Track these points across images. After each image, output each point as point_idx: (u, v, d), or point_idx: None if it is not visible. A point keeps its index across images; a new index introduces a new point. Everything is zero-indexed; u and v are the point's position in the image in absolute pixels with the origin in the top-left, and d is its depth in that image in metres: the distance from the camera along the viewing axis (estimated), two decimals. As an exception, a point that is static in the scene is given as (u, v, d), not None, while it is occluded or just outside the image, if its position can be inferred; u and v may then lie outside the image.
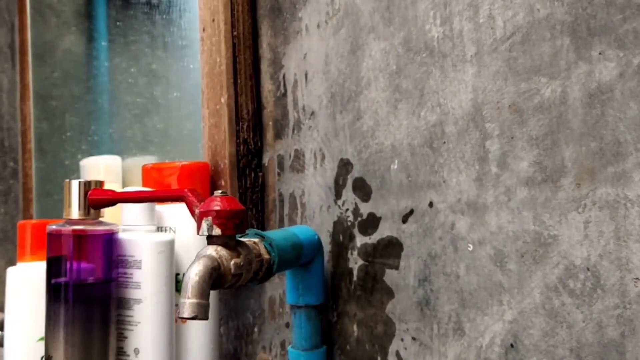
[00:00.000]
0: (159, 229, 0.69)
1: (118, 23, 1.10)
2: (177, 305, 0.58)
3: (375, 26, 0.61)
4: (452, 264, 0.54)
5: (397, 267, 0.59)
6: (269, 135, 0.75)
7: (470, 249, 0.52)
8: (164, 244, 0.64)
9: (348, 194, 0.64)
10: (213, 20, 0.76)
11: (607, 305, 0.44)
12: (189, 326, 0.68)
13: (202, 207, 0.51)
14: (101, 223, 0.62)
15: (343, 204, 0.64)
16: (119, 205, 0.62)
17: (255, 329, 0.76)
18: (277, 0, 0.74)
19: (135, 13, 1.04)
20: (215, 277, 0.48)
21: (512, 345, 0.50)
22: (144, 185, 0.75)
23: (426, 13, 0.56)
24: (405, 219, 0.58)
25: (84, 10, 1.21)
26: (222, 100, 0.75)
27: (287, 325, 0.71)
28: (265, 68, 0.76)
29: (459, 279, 0.53)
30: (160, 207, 0.69)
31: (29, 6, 1.26)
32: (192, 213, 0.54)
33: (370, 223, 0.61)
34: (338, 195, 0.65)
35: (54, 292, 0.61)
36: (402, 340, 0.58)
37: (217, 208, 0.51)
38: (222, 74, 0.75)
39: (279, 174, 0.73)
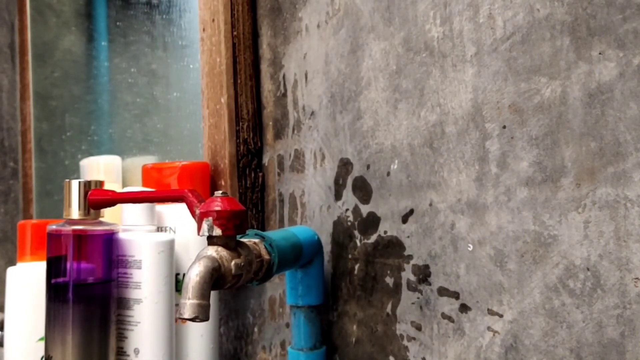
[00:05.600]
0: (159, 229, 0.69)
1: (118, 23, 1.10)
2: (177, 305, 0.58)
3: (375, 26, 0.61)
4: (452, 264, 0.54)
5: (397, 267, 0.59)
6: (269, 135, 0.75)
7: (470, 249, 0.52)
8: (164, 244, 0.64)
9: (348, 194, 0.64)
10: (213, 20, 0.76)
11: (607, 305, 0.44)
12: (189, 326, 0.68)
13: (202, 207, 0.51)
14: (101, 223, 0.62)
15: (343, 204, 0.64)
16: (119, 205, 0.62)
17: (255, 329, 0.76)
18: (277, 0, 0.74)
19: (135, 13, 1.04)
20: (215, 278, 0.48)
21: (512, 345, 0.50)
22: (144, 185, 0.75)
23: (426, 13, 0.56)
24: (405, 219, 0.58)
25: (84, 10, 1.21)
26: (222, 100, 0.75)
27: (287, 325, 0.71)
28: (265, 68, 0.76)
29: (459, 279, 0.53)
30: (160, 207, 0.69)
31: (29, 6, 1.26)
32: (193, 213, 0.54)
33: (370, 223, 0.61)
34: (338, 195, 0.65)
35: (54, 292, 0.61)
36: (402, 340, 0.58)
37: (218, 209, 0.51)
38: (222, 74, 0.75)
39: (279, 174, 0.73)
